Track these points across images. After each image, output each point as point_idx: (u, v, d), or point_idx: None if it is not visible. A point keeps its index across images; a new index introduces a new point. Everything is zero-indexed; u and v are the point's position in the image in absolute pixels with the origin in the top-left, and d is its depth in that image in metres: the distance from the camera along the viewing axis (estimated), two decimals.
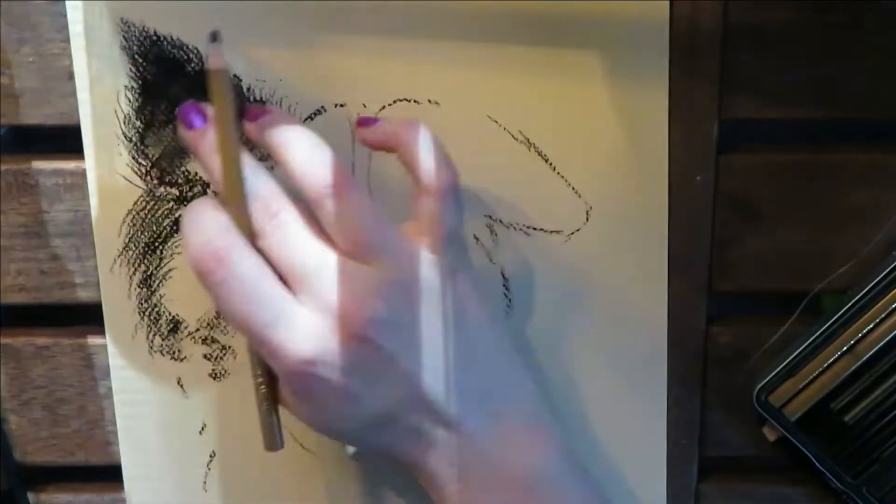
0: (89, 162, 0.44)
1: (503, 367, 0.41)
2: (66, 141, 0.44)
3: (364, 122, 0.41)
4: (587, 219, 0.44)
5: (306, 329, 0.37)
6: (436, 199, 0.39)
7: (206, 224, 0.38)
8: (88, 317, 0.46)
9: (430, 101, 0.43)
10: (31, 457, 0.48)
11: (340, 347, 0.37)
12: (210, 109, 0.39)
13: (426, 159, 0.40)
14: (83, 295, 0.46)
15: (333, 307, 0.37)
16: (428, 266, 0.39)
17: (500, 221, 0.45)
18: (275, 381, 0.40)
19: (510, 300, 0.46)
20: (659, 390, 0.46)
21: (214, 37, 0.38)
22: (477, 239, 0.45)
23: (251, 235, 0.38)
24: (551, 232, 0.45)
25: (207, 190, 0.43)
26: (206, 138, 0.39)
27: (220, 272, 0.37)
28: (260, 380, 0.40)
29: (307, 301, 0.38)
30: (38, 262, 0.46)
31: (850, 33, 0.42)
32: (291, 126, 0.40)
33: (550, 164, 0.44)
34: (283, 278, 0.38)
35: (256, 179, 0.38)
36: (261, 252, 0.38)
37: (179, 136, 0.40)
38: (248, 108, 0.41)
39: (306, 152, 0.39)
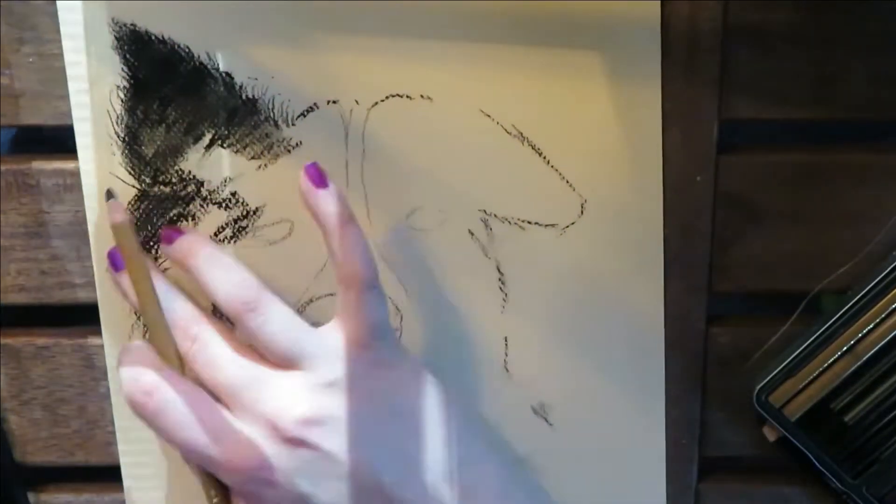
0: (84, 164, 0.44)
1: (464, 448, 0.42)
2: (66, 141, 0.44)
3: (313, 179, 0.41)
4: (582, 212, 0.44)
5: (244, 441, 0.39)
6: (357, 294, 0.41)
7: (132, 362, 0.40)
8: (88, 317, 0.46)
9: (422, 96, 0.43)
10: (31, 457, 0.49)
11: (279, 453, 0.39)
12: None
13: (349, 254, 0.41)
14: (83, 295, 0.46)
15: (265, 416, 0.39)
16: (352, 361, 0.41)
17: (495, 216, 0.45)
18: (228, 494, 0.41)
19: (506, 294, 0.45)
20: (658, 390, 0.46)
21: (110, 195, 0.42)
22: (472, 234, 0.45)
23: (181, 363, 0.41)
24: (546, 226, 0.45)
25: (201, 189, 0.44)
26: (125, 280, 0.41)
27: (151, 404, 0.39)
28: (215, 500, 0.41)
29: (241, 415, 0.40)
30: (38, 262, 0.46)
31: (850, 33, 0.42)
32: (205, 248, 0.42)
33: (544, 157, 0.44)
34: (217, 397, 0.40)
35: (173, 307, 0.41)
36: (192, 377, 0.41)
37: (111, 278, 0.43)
38: (162, 231, 0.43)
39: (221, 275, 0.41)
